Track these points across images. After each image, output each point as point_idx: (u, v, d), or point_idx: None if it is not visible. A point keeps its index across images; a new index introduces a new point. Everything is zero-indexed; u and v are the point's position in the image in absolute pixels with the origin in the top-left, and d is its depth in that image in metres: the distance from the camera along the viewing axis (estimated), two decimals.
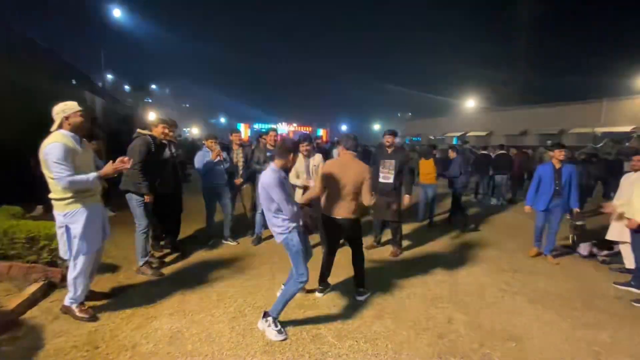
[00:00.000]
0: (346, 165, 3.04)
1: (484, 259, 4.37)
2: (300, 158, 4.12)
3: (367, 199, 2.99)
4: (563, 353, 2.45)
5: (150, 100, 31.91)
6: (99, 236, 2.72)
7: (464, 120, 33.56)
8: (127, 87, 36.45)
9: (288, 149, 2.59)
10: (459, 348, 2.48)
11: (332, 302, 3.10)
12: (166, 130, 3.77)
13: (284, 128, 31.57)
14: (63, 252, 2.63)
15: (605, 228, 4.13)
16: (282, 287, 2.94)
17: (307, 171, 4.11)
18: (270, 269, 3.84)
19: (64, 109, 2.50)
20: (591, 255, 4.46)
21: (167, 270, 3.71)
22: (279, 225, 2.59)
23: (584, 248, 4.59)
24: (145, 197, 3.45)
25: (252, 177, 4.93)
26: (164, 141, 3.85)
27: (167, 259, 4.02)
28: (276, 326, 2.51)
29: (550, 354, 2.45)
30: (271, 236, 4.85)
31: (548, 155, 7.19)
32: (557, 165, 4.24)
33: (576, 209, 4.39)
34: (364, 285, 3.25)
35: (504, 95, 34.85)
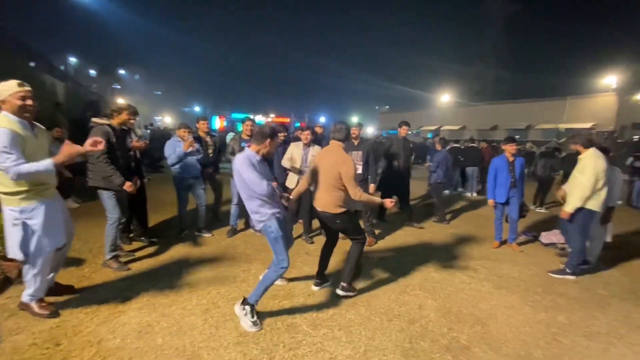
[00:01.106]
0: (326, 156, 2.91)
1: (454, 248, 4.54)
2: (300, 145, 4.24)
3: (352, 192, 2.78)
4: (525, 335, 2.60)
5: (118, 87, 30.22)
6: (59, 232, 2.51)
7: (438, 114, 34.46)
8: (92, 72, 34.33)
9: (264, 134, 2.52)
10: (428, 333, 2.58)
11: (307, 292, 3.11)
12: (131, 118, 3.55)
13: (262, 119, 31.03)
14: (13, 251, 2.35)
15: None
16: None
17: (305, 160, 4.22)
18: (245, 261, 3.79)
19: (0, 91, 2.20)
20: (552, 244, 4.75)
21: (136, 263, 3.57)
22: (257, 212, 2.54)
23: (545, 237, 4.90)
24: (127, 186, 3.23)
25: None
26: (125, 128, 3.64)
27: (137, 253, 3.87)
28: (252, 317, 2.49)
29: (513, 335, 2.59)
30: (246, 228, 4.87)
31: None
32: (511, 159, 4.48)
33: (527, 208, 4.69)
34: (350, 282, 3.07)
35: (476, 90, 36.03)
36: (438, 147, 6.38)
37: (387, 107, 47.75)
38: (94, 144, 2.33)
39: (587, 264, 3.90)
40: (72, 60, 31.18)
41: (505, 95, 31.17)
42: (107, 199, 3.29)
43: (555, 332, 2.65)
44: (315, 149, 4.25)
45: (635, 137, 16.24)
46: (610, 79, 23.48)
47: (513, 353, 2.38)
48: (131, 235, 4.19)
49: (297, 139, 4.54)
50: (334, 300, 2.98)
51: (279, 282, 3.10)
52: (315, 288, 3.17)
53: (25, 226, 2.32)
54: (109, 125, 3.32)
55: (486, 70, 36.93)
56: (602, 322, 2.81)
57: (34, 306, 2.49)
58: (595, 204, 3.56)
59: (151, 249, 3.99)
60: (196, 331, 2.45)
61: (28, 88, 2.27)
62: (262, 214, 2.54)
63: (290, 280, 3.28)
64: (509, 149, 4.47)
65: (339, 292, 3.05)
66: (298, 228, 4.76)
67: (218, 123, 17.26)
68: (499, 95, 32.44)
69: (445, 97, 35.25)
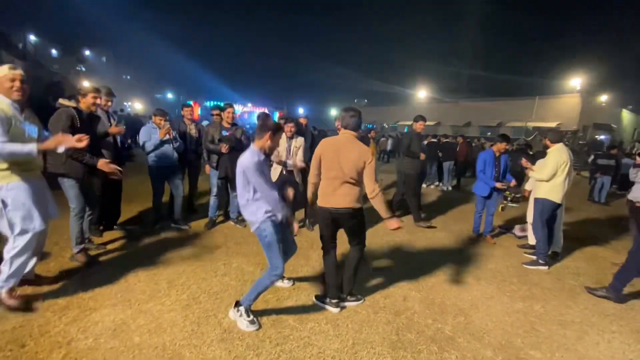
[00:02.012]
0: (344, 148, 2.50)
1: (434, 241, 4.63)
2: (283, 138, 4.08)
3: (371, 187, 2.49)
4: (505, 324, 2.69)
5: (83, 69, 28.32)
6: (41, 213, 2.40)
7: (415, 109, 35.08)
8: (54, 52, 31.94)
9: (268, 126, 2.31)
10: (414, 324, 2.59)
11: (293, 286, 3.05)
12: (98, 101, 3.27)
13: (238, 109, 30.30)
14: None
15: None
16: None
17: (288, 152, 4.10)
18: (225, 254, 3.66)
19: None
20: (524, 236, 4.96)
21: (109, 257, 3.36)
22: (253, 212, 2.35)
23: (518, 229, 5.12)
24: (102, 164, 2.97)
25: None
26: (96, 113, 3.37)
27: (108, 246, 3.63)
28: (248, 316, 2.37)
29: (494, 325, 2.66)
30: (226, 220, 4.72)
31: (488, 145, 7.83)
32: (497, 154, 4.65)
33: (513, 182, 4.70)
34: (351, 292, 2.81)
35: (451, 87, 37.08)
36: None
37: (366, 101, 48.06)
38: (79, 140, 2.28)
39: (557, 255, 4.14)
40: (32, 38, 28.82)
41: (479, 93, 32.25)
42: (69, 187, 3.03)
43: (533, 321, 2.75)
44: (298, 141, 4.15)
45: (598, 137, 17.32)
46: (575, 81, 24.86)
47: (495, 342, 2.45)
48: (101, 227, 3.93)
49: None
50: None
51: (282, 284, 3.02)
52: (334, 310, 2.69)
53: (4, 204, 2.25)
54: (75, 108, 3.05)
55: (461, 68, 38.01)
56: (575, 311, 2.96)
57: (3, 295, 2.31)
58: (556, 196, 3.83)
59: (124, 242, 3.76)
60: (176, 328, 2.32)
61: (19, 72, 2.27)
62: (256, 215, 2.33)
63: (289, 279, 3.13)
64: (500, 147, 4.62)
65: (348, 304, 2.77)
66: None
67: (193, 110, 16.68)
68: (473, 93, 33.53)
69: (421, 93, 35.95)
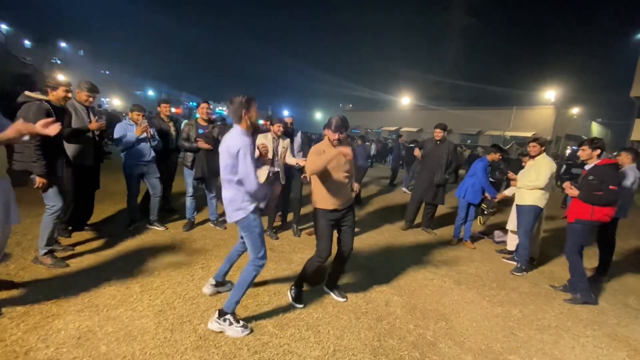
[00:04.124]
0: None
1: (415, 246, 4.65)
2: (269, 137, 4.00)
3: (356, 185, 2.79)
4: (484, 329, 2.70)
5: (58, 62, 27.07)
6: (0, 218, 2.20)
7: (398, 116, 35.67)
8: (27, 43, 30.43)
9: (239, 103, 2.17)
10: (396, 330, 2.56)
11: (272, 290, 2.96)
12: (69, 95, 3.07)
13: (222, 109, 29.73)
14: None
15: None
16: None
17: (276, 152, 4.02)
18: (204, 257, 3.53)
19: None
20: (503, 242, 5.06)
21: (76, 259, 3.15)
22: (240, 200, 2.22)
23: (497, 234, 5.23)
24: (38, 180, 2.73)
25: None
26: (63, 106, 3.14)
27: (77, 247, 3.41)
28: (238, 322, 2.27)
29: (474, 330, 2.67)
30: (205, 221, 4.56)
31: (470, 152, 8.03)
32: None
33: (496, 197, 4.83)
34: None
35: (434, 95, 37.92)
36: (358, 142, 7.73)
37: (351, 105, 48.41)
38: (46, 125, 2.00)
39: (533, 261, 4.25)
40: (3, 27, 27.38)
41: (459, 102, 33.16)
42: (47, 186, 2.83)
43: (511, 326, 2.78)
44: (286, 142, 4.08)
45: (572, 147, 18.12)
46: (549, 94, 25.99)
47: (475, 347, 2.45)
48: (69, 227, 3.70)
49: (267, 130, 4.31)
50: None
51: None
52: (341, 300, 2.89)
53: None
54: (47, 102, 2.85)
55: (443, 77, 39.05)
56: (551, 315, 3.02)
57: None
58: (544, 202, 3.96)
59: (95, 244, 3.55)
60: (148, 336, 2.19)
61: None
62: (245, 204, 2.23)
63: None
64: (495, 157, 4.70)
65: (342, 299, 2.89)
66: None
67: (174, 107, 16.23)
68: (454, 102, 34.44)
69: (405, 100, 36.59)
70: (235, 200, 2.23)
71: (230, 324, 2.25)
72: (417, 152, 5.85)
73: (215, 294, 2.77)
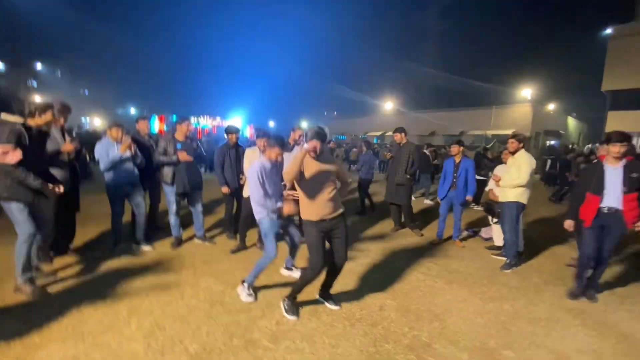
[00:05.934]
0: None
1: (405, 248, 4.67)
2: (256, 151, 4.01)
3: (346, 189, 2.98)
4: (478, 326, 2.72)
5: (34, 85, 26.46)
6: None
7: (383, 120, 36.13)
8: (1, 66, 29.68)
9: (277, 142, 2.91)
10: (391, 334, 2.56)
11: (265, 303, 2.92)
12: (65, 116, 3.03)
13: (208, 123, 29.46)
14: None
15: None
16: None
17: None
18: (193, 274, 3.46)
19: None
20: (491, 238, 5.15)
21: (60, 286, 3.04)
22: (258, 211, 2.94)
23: (485, 232, 5.31)
24: (55, 188, 2.86)
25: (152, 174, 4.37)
26: (44, 130, 3.07)
27: (60, 273, 3.30)
28: (248, 290, 2.93)
29: (468, 328, 2.69)
30: (192, 237, 4.47)
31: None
32: (457, 160, 4.82)
33: (468, 197, 4.83)
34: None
35: (416, 100, 38.70)
36: (364, 149, 7.59)
37: (335, 112, 48.84)
38: (4, 151, 1.93)
39: (521, 255, 4.32)
40: None
41: (441, 105, 33.91)
42: (17, 212, 2.73)
43: (503, 321, 2.81)
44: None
45: (550, 142, 18.67)
46: (526, 92, 26.86)
47: (470, 345, 2.47)
48: (51, 253, 3.57)
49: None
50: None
51: (292, 274, 3.48)
52: (333, 307, 2.90)
53: None
54: (23, 124, 2.78)
55: (426, 80, 40.02)
56: (541, 308, 3.07)
57: None
58: (526, 198, 4.04)
59: (78, 268, 3.44)
60: None
61: None
62: (260, 210, 2.92)
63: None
64: (455, 150, 4.85)
65: (335, 307, 2.89)
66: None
67: (157, 125, 15.94)
68: (436, 105, 35.19)
69: (388, 105, 37.16)
70: (257, 205, 2.94)
71: (244, 289, 2.95)
72: (387, 155, 6.11)
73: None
